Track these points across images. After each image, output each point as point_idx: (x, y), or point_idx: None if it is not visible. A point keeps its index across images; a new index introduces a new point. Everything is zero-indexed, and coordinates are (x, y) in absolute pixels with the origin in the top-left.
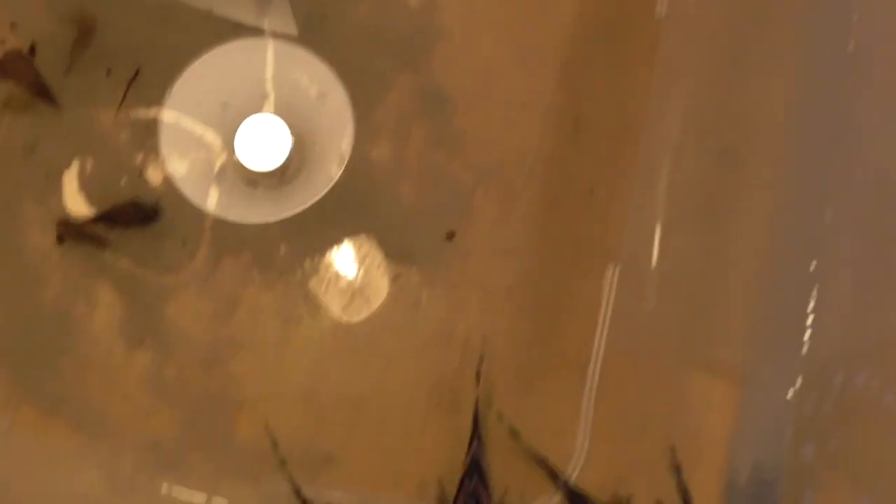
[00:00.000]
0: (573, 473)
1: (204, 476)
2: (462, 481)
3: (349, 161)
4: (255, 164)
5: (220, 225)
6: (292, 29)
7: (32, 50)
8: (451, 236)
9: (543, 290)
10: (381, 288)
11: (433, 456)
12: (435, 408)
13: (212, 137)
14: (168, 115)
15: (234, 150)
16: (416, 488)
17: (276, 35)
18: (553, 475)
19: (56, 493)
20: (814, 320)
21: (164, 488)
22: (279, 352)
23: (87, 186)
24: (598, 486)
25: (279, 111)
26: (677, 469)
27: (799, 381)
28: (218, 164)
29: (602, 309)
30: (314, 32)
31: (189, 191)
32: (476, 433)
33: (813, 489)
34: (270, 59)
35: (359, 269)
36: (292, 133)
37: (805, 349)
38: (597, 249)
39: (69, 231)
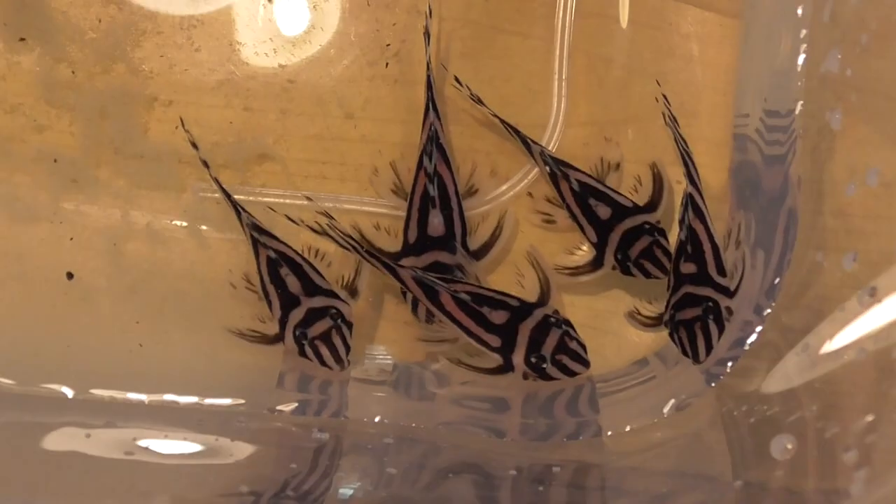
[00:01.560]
0: (551, 142)
1: (116, 191)
2: (420, 162)
3: None
4: None
5: None
6: None
7: None
8: None
9: None
10: None
11: (382, 139)
12: (378, 81)
13: None
14: None
15: None
16: (367, 178)
17: None
18: (527, 145)
19: None
20: None
21: (71, 209)
22: (190, 34)
23: None
24: (582, 154)
25: None
26: (673, 121)
27: None
28: None
29: None
30: None
31: None
32: (431, 104)
33: (841, 108)
34: None
35: None
36: None
37: None
38: None
39: None
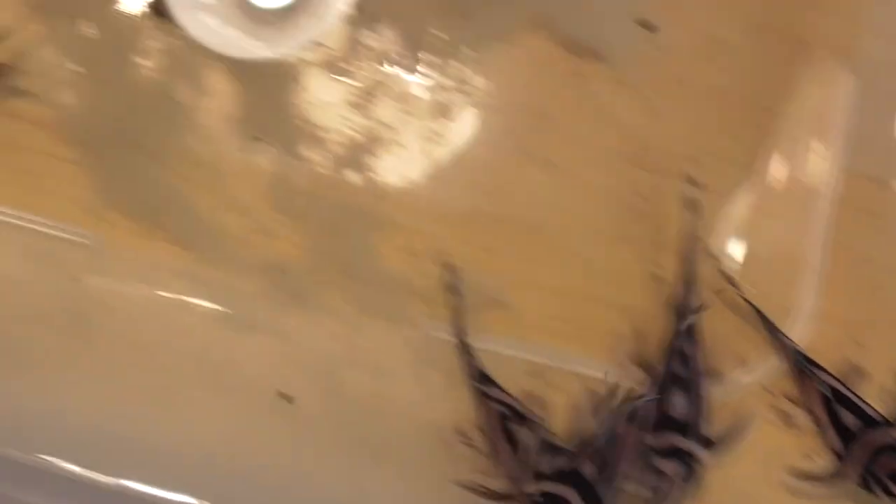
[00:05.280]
0: (799, 335)
1: (341, 313)
2: (673, 338)
3: None
4: None
5: None
6: None
7: None
8: (646, 25)
9: (757, 92)
10: (556, 88)
11: (626, 301)
12: (628, 241)
13: None
14: None
15: None
16: (607, 343)
17: None
18: (775, 335)
19: (160, 328)
20: None
21: (291, 327)
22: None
23: None
24: (827, 354)
25: None
26: None
27: None
28: None
29: (835, 124)
30: None
31: None
32: (688, 276)
33: None
34: None
35: (529, 66)
36: None
37: None
38: (826, 47)
39: None
